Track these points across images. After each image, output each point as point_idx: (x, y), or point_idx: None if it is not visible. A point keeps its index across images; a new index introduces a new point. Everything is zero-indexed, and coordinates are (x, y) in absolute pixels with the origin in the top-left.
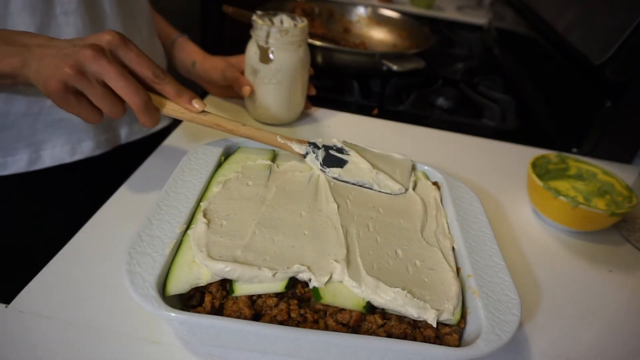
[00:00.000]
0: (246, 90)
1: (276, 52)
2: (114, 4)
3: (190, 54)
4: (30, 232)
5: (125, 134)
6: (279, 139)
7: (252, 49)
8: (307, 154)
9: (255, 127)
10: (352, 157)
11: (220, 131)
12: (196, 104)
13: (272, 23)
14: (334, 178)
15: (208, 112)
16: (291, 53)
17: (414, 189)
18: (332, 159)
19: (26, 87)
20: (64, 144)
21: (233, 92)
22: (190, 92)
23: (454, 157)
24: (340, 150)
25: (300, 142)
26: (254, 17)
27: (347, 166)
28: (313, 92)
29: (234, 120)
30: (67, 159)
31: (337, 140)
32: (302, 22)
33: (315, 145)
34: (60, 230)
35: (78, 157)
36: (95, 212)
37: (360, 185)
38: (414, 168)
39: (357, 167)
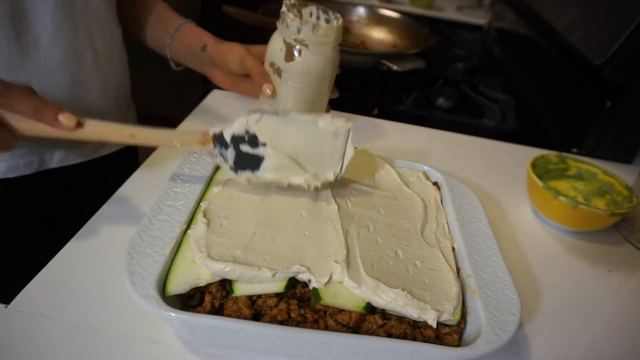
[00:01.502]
0: (268, 89)
1: (306, 53)
2: (57, 14)
3: (199, 37)
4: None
5: (59, 158)
6: (176, 144)
7: (277, 45)
8: (215, 156)
9: (147, 131)
10: (268, 151)
11: None
12: (64, 120)
13: (301, 15)
14: (250, 180)
15: (83, 125)
16: (322, 55)
17: (409, 187)
18: (245, 158)
19: None
20: None
21: (244, 86)
22: (53, 107)
23: (454, 157)
24: (253, 141)
25: (204, 140)
26: (283, 9)
27: (263, 165)
28: (336, 94)
29: (120, 127)
30: None
31: (248, 121)
32: (338, 20)
33: (222, 143)
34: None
35: None
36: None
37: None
38: (350, 134)
39: (274, 164)
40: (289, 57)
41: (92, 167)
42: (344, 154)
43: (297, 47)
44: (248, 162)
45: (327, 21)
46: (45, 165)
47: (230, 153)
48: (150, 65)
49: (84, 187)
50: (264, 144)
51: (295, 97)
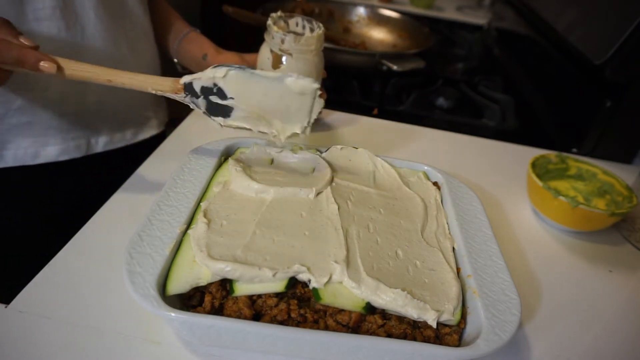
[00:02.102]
0: None
1: (290, 60)
2: (99, 7)
3: (201, 46)
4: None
5: (104, 142)
6: (150, 90)
7: (265, 54)
8: (187, 103)
9: (123, 76)
10: (236, 104)
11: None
12: (45, 66)
13: (288, 25)
14: (220, 125)
15: (63, 69)
16: (306, 61)
17: (410, 187)
18: (216, 107)
19: None
20: (28, 146)
21: None
22: (34, 55)
23: (454, 157)
24: (221, 94)
25: (175, 89)
26: (269, 22)
27: (233, 114)
28: (324, 96)
29: (99, 70)
30: (29, 161)
31: (215, 76)
32: (319, 29)
33: (192, 93)
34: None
35: (41, 160)
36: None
37: (248, 128)
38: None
39: (242, 115)
40: (276, 65)
41: (131, 152)
42: (311, 110)
43: (283, 56)
44: (219, 111)
45: (312, 30)
46: (92, 149)
47: (201, 102)
48: None
49: (125, 171)
50: (232, 98)
51: None
